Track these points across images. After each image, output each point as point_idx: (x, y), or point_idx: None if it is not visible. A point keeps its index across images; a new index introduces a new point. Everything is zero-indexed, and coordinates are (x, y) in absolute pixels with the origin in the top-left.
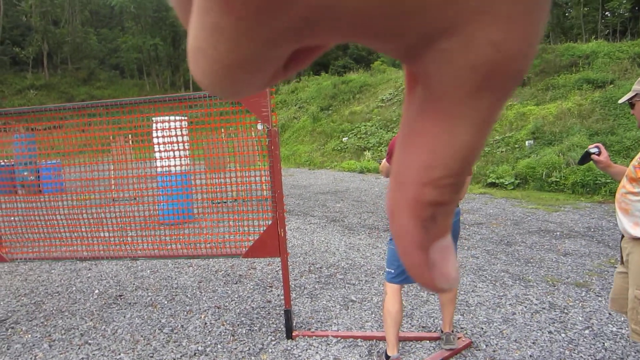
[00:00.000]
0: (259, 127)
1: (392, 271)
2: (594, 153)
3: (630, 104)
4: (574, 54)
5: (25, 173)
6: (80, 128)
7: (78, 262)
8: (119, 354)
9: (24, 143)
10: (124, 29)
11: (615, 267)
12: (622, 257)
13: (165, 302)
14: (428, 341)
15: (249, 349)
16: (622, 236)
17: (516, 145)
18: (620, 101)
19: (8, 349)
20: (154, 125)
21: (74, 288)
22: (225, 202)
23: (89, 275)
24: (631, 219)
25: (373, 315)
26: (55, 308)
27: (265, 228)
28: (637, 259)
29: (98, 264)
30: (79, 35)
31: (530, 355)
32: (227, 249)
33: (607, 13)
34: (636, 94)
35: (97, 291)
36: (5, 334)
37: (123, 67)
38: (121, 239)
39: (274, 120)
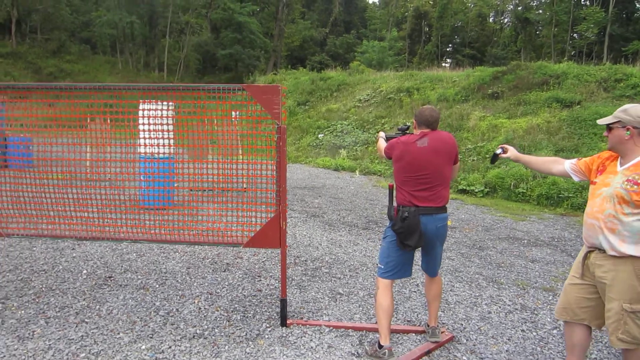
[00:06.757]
0: (233, 114)
1: (383, 267)
2: (499, 153)
3: (609, 128)
4: (545, 73)
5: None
6: (64, 108)
7: (59, 241)
8: (118, 334)
9: None
10: (98, 2)
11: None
12: (582, 271)
13: (157, 286)
14: (414, 334)
15: (246, 334)
16: (587, 252)
17: (487, 155)
18: (599, 121)
19: (3, 324)
20: (140, 112)
21: (60, 267)
22: (228, 192)
23: (74, 255)
24: (618, 237)
25: (361, 308)
26: (44, 286)
27: (266, 220)
28: (622, 276)
29: (81, 244)
30: (51, 4)
31: (507, 350)
32: (228, 237)
33: (574, 35)
34: (618, 121)
35: (85, 271)
36: None
37: (95, 42)
38: (111, 221)
39: (283, 117)
